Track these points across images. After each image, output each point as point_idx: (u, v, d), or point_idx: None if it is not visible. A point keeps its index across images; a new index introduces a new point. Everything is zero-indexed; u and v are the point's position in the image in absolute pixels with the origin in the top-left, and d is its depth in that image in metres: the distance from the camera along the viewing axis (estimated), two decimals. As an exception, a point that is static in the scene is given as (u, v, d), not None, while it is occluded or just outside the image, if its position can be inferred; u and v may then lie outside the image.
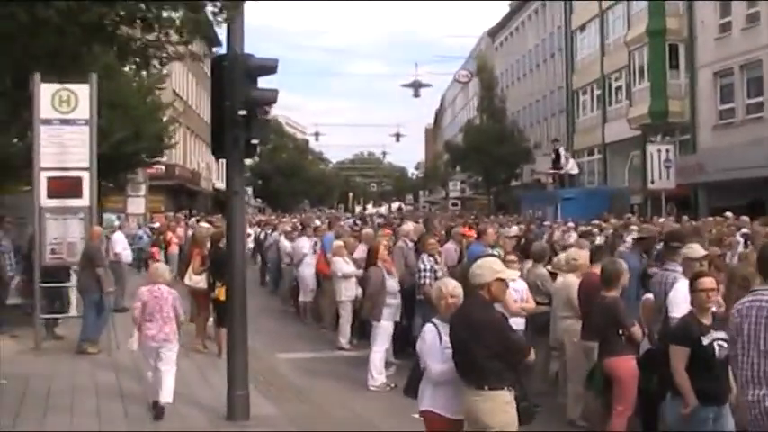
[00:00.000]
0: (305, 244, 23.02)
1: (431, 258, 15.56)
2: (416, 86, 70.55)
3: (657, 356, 9.90)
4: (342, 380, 15.20)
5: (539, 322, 13.25)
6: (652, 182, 39.11)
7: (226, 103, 11.04)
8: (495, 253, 13.33)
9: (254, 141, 11.30)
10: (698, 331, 8.22)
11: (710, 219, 27.92)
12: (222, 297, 14.28)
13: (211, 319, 17.29)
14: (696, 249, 10.62)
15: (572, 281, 12.46)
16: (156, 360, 12.06)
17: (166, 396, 12.02)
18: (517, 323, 11.89)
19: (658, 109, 44.24)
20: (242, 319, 11.70)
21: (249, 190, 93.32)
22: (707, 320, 8.34)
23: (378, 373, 14.39)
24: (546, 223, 34.59)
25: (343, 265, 18.47)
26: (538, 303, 13.33)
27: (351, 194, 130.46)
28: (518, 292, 12.54)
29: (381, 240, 16.65)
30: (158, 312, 12.08)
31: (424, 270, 15.35)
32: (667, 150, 39.16)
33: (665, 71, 44.67)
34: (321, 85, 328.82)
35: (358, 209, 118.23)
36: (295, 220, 37.42)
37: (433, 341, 7.89)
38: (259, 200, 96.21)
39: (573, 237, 25.37)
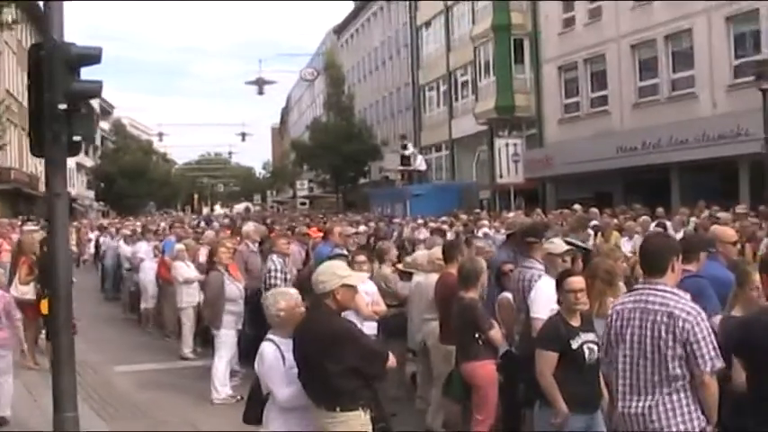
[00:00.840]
0: (144, 248, 21.83)
1: (280, 259, 14.53)
2: (260, 84, 69.31)
3: (517, 359, 9.29)
4: (184, 393, 14.09)
5: (391, 325, 12.46)
6: (501, 176, 39.22)
7: (45, 96, 9.95)
8: (344, 253, 12.54)
9: (77, 138, 10.15)
10: (566, 334, 7.61)
11: (559, 212, 27.98)
12: (45, 310, 13.07)
13: (44, 332, 15.92)
14: (558, 244, 9.87)
15: (434, 280, 11.66)
16: None
17: (5, 408, 11.86)
18: (370, 327, 11.14)
19: (504, 104, 44.21)
20: (67, 332, 10.47)
21: (91, 193, 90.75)
22: (575, 322, 7.74)
23: (221, 385, 13.38)
24: (396, 220, 34.25)
25: (185, 270, 17.32)
26: (388, 306, 12.58)
27: (196, 196, 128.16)
28: (369, 294, 11.61)
29: (222, 243, 15.54)
30: None
31: (274, 270, 14.16)
32: (515, 145, 39.43)
33: (511, 66, 44.68)
34: (167, 86, 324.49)
35: (205, 210, 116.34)
36: (138, 224, 36.13)
37: (275, 362, 6.97)
38: (101, 203, 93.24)
39: (423, 233, 24.95)
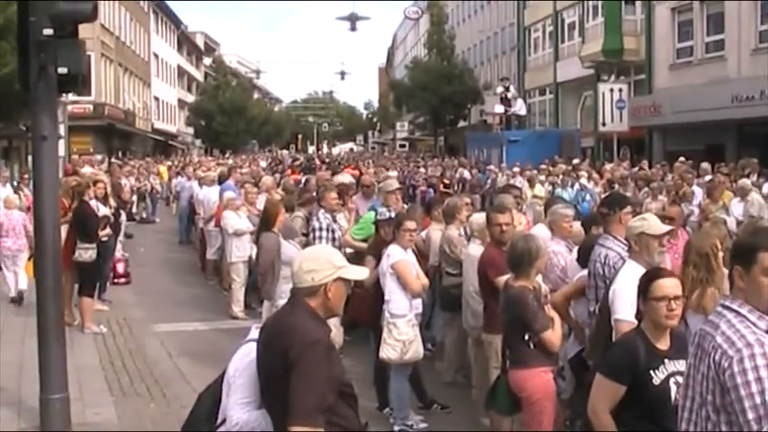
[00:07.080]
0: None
1: (328, 216, 12.74)
2: (353, 19, 66.34)
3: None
4: (221, 360, 12.35)
5: (453, 297, 10.57)
6: (603, 124, 37.01)
7: (31, 20, 8.35)
8: (391, 216, 10.54)
9: (62, 70, 8.41)
10: (647, 362, 5.24)
11: (661, 165, 26.08)
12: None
13: (76, 286, 14.45)
14: (654, 224, 7.14)
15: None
16: (11, 265, 16.32)
17: (23, 284, 15.82)
18: (417, 306, 9.36)
19: (612, 46, 41.50)
20: (54, 301, 8.87)
21: (191, 130, 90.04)
22: (663, 344, 5.31)
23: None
24: (490, 168, 32.67)
25: (235, 221, 15.57)
26: (447, 273, 10.70)
27: (300, 135, 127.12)
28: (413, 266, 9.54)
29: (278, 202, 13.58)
30: (12, 230, 16.35)
31: (320, 230, 12.44)
32: (620, 90, 37.14)
33: (620, 6, 41.92)
34: (272, 24, 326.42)
35: (311, 149, 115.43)
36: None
37: (253, 371, 5.05)
38: (199, 140, 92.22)
39: (519, 182, 23.29)
